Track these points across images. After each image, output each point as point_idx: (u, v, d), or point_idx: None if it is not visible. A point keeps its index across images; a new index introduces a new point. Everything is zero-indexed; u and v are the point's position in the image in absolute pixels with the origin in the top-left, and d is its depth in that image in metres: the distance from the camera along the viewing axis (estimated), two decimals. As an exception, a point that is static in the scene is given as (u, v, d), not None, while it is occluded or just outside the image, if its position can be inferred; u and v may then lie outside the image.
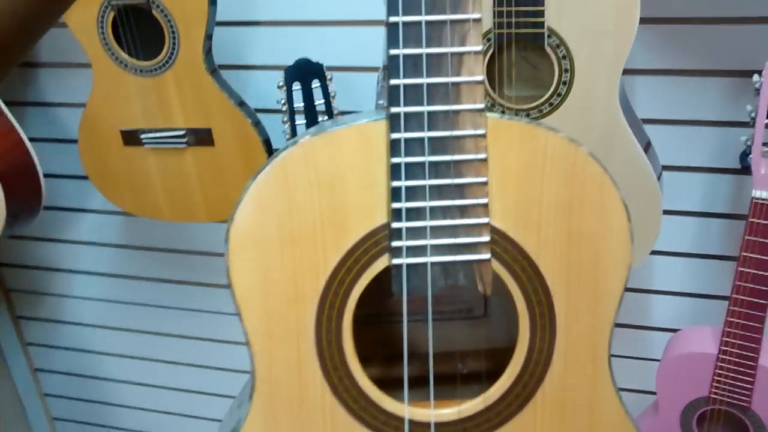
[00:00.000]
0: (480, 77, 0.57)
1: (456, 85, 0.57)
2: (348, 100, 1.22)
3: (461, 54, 0.57)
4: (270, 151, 1.20)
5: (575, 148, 0.60)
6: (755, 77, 0.95)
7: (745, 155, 0.98)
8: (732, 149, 1.12)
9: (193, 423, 1.76)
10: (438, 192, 0.60)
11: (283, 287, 0.62)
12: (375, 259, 0.62)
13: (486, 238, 0.62)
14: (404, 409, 0.67)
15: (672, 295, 1.27)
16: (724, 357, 1.06)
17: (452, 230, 0.61)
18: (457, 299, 0.78)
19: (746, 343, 1.04)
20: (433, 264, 0.62)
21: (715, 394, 1.09)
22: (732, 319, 1.03)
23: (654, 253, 1.24)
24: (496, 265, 0.63)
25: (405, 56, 0.56)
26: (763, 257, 0.99)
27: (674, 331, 1.20)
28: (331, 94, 1.11)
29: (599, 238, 0.63)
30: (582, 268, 0.63)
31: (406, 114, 0.58)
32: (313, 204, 0.60)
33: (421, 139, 0.59)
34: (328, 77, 1.10)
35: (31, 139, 1.25)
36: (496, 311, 0.79)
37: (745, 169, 0.99)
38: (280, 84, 1.10)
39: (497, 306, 0.78)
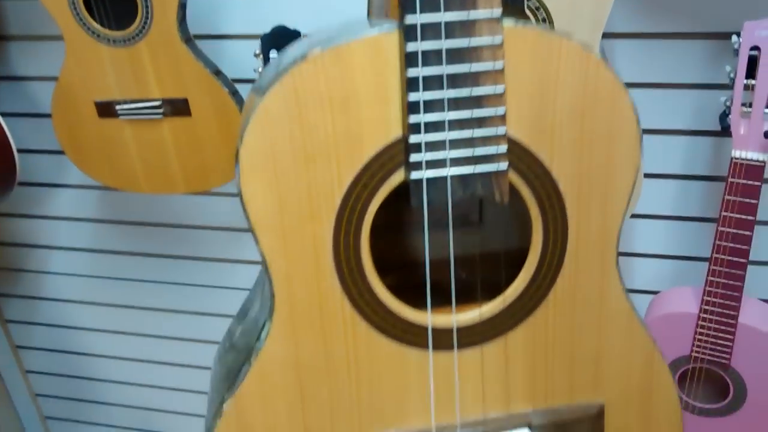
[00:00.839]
0: None
1: None
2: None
3: None
4: (248, 121, 1.18)
5: (588, 55, 0.60)
6: (734, 38, 0.95)
7: (724, 116, 0.99)
8: (712, 111, 1.13)
9: (176, 395, 1.76)
10: (455, 104, 0.59)
11: (298, 205, 0.61)
12: (391, 173, 0.61)
13: (504, 149, 0.61)
14: (424, 317, 0.67)
15: (653, 257, 1.28)
16: (705, 316, 1.07)
17: (470, 142, 0.60)
18: (469, 206, 0.79)
19: (727, 302, 1.05)
20: (451, 176, 0.62)
21: (697, 352, 1.10)
22: (713, 279, 1.05)
23: (635, 216, 1.25)
24: (511, 174, 0.63)
25: None
26: (742, 216, 1.00)
27: (656, 293, 1.21)
28: (309, 62, 1.09)
29: (610, 143, 0.64)
30: (593, 172, 0.64)
31: (423, 24, 0.56)
32: (325, 121, 0.59)
33: (438, 50, 0.57)
34: (306, 44, 1.08)
35: (3, 115, 1.23)
36: (505, 216, 0.80)
37: (724, 130, 0.99)
38: (257, 52, 1.08)
39: (507, 211, 0.79)
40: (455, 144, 0.60)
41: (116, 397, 1.82)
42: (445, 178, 0.61)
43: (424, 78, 0.58)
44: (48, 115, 1.44)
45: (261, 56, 1.08)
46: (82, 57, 1.16)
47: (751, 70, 0.94)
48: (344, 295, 0.65)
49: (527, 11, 0.93)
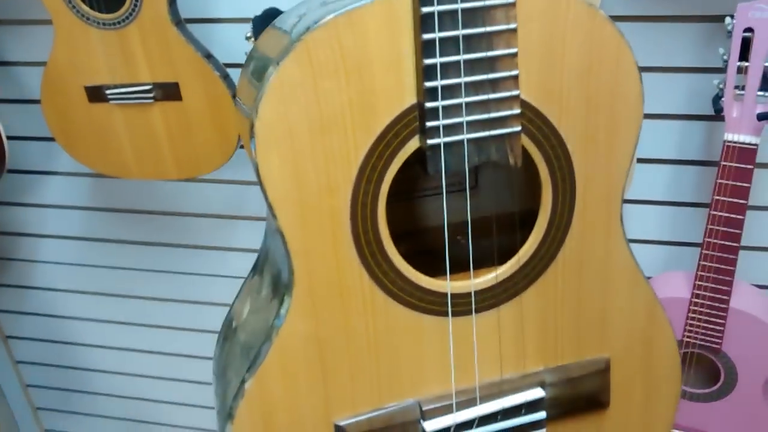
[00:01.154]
0: None
1: None
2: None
3: None
4: (240, 106, 1.18)
5: (594, 12, 0.61)
6: (727, 20, 0.95)
7: (717, 98, 0.99)
8: (705, 95, 1.13)
9: (168, 385, 1.75)
10: (470, 67, 0.59)
11: (315, 178, 0.61)
12: (406, 141, 0.61)
13: (517, 111, 0.61)
14: (440, 284, 0.68)
15: (646, 243, 1.28)
16: (697, 300, 1.07)
17: (485, 105, 0.60)
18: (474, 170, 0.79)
19: (718, 286, 1.05)
20: (467, 141, 0.62)
21: (688, 337, 1.10)
22: (705, 263, 1.05)
23: (627, 201, 1.25)
24: (522, 136, 0.64)
25: None
26: (734, 200, 1.00)
27: (648, 278, 1.21)
28: (301, 45, 1.08)
29: (615, 99, 0.65)
30: (599, 131, 0.65)
31: None
32: (340, 89, 0.58)
33: (454, 12, 0.57)
34: (298, 27, 1.07)
35: (-8, 99, 1.22)
36: (509, 179, 0.80)
37: (717, 113, 0.99)
38: (248, 35, 1.07)
39: (512, 174, 0.79)
40: (470, 108, 0.60)
41: (108, 387, 1.81)
42: (461, 144, 0.61)
43: (440, 41, 0.57)
44: (37, 101, 1.43)
45: (252, 39, 1.07)
46: (71, 40, 1.15)
47: (745, 53, 0.94)
48: (362, 267, 0.65)
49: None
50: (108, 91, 1.17)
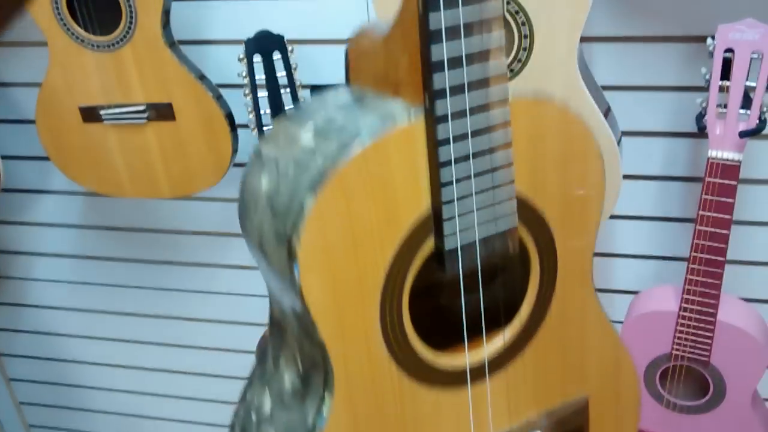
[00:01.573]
0: (505, 71, 0.64)
1: (486, 79, 0.62)
2: (309, 72, 1.21)
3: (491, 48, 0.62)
4: (232, 125, 1.19)
5: (566, 110, 0.68)
6: (709, 41, 0.97)
7: (700, 117, 1.01)
8: (689, 113, 1.15)
9: (162, 401, 1.76)
10: (477, 175, 0.65)
11: (350, 291, 0.65)
12: (423, 243, 0.66)
13: (514, 207, 0.68)
14: (459, 364, 0.74)
15: (633, 258, 1.30)
16: (685, 314, 1.09)
17: (490, 206, 0.67)
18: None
19: (705, 300, 1.07)
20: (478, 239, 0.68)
21: (677, 350, 1.12)
22: (692, 277, 1.06)
23: (614, 217, 1.26)
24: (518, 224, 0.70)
25: (449, 59, 0.60)
26: (719, 215, 1.02)
27: (637, 293, 1.23)
28: (293, 66, 1.10)
29: (584, 183, 0.72)
30: (573, 210, 0.73)
31: (452, 112, 0.62)
32: (369, 208, 0.63)
33: (465, 133, 0.63)
34: (290, 49, 1.09)
35: (-13, 120, 1.23)
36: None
37: (701, 131, 1.01)
38: (241, 56, 1.09)
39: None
40: (479, 210, 0.66)
41: (102, 404, 1.82)
42: (473, 243, 0.67)
43: (453, 160, 0.63)
44: (32, 122, 1.44)
45: (245, 60, 1.09)
46: (66, 62, 1.16)
47: (726, 72, 0.97)
48: (391, 359, 0.70)
49: (507, 15, 0.95)
50: (102, 112, 1.19)
